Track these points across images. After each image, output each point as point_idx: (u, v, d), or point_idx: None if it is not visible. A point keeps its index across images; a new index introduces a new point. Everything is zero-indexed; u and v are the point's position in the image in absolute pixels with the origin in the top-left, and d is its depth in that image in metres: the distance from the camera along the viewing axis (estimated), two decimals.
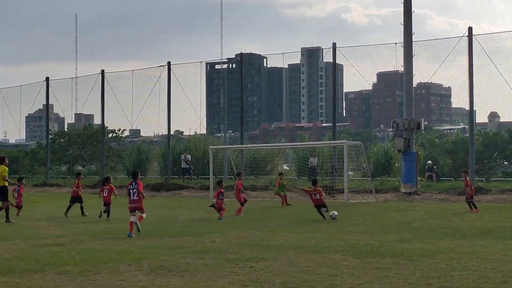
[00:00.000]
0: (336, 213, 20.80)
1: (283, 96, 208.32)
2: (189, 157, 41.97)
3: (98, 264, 12.19)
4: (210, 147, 36.66)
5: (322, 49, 42.85)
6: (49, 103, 51.35)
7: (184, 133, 63.94)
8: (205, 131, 53.77)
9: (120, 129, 55.90)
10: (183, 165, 41.44)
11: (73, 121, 70.54)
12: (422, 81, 48.24)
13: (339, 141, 34.05)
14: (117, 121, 50.69)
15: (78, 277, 11.09)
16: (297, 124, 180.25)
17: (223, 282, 10.55)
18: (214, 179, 31.94)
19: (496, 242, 14.93)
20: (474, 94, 31.86)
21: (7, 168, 21.75)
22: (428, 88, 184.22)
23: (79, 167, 57.38)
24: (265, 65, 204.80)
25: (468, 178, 24.49)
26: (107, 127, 51.28)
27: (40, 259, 12.96)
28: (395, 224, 19.33)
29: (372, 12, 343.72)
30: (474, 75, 31.78)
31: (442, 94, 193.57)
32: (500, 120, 67.26)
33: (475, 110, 33.42)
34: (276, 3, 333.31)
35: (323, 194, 21.89)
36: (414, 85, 34.07)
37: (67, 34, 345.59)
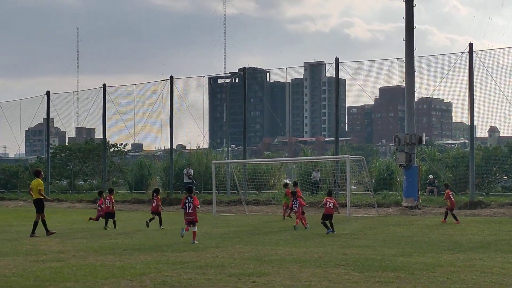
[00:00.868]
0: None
1: (286, 111, 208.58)
2: (191, 171, 42.07)
3: (99, 280, 12.07)
4: (213, 161, 36.65)
5: (325, 64, 43.08)
6: (50, 117, 51.17)
7: (186, 148, 64.05)
8: (207, 145, 53.81)
9: (122, 144, 55.99)
10: (186, 179, 41.51)
11: (74, 135, 70.50)
12: (423, 96, 48.33)
13: (342, 156, 34.15)
14: (119, 135, 50.78)
15: None
16: (299, 139, 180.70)
17: None
18: (216, 194, 31.91)
19: (495, 255, 15.08)
20: (474, 109, 32.13)
21: (42, 182, 21.79)
22: (429, 103, 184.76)
23: (80, 182, 57.40)
24: (268, 79, 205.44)
25: (448, 191, 25.56)
26: (108, 141, 51.28)
27: (40, 275, 12.68)
28: (396, 238, 19.42)
29: (375, 28, 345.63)
30: (474, 91, 32.05)
31: (443, 109, 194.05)
32: (500, 135, 67.31)
33: (476, 125, 33.58)
34: (279, 18, 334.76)
35: (337, 205, 22.52)
36: (415, 100, 34.30)
37: (68, 48, 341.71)
